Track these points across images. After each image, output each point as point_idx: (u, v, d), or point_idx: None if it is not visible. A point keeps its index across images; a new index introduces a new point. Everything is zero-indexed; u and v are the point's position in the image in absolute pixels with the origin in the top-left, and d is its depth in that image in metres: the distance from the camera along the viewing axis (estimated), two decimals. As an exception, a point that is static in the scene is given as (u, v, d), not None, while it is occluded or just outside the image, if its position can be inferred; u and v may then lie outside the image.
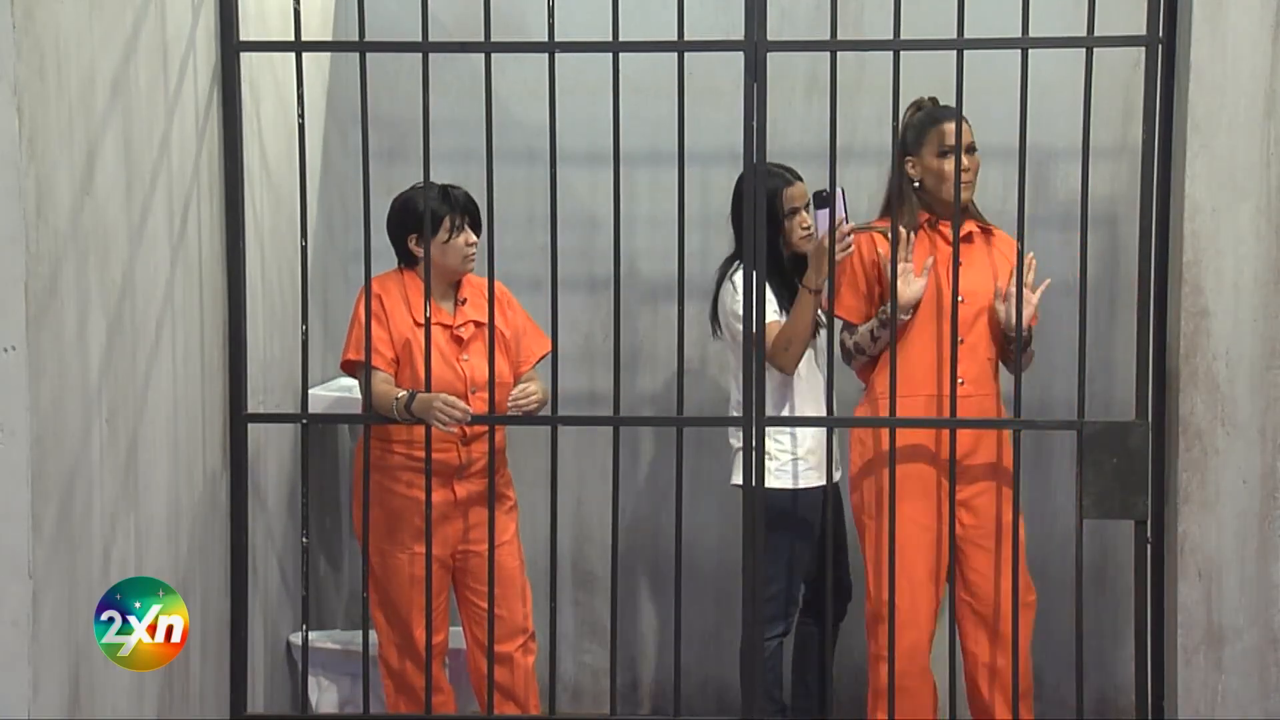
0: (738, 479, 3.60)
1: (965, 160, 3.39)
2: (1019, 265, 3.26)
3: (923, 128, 3.47)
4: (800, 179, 3.67)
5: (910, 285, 3.39)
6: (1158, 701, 3.22)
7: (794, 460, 3.64)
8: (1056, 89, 3.59)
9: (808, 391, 3.67)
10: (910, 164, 3.50)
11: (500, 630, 3.50)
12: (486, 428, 3.40)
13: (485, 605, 3.48)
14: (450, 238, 3.46)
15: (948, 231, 3.46)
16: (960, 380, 3.39)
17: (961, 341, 3.41)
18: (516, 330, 3.62)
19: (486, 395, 3.43)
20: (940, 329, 3.42)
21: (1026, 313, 3.37)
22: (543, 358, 3.61)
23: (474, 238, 3.50)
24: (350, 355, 3.46)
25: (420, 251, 3.46)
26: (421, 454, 3.36)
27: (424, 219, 3.33)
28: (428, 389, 3.29)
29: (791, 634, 3.82)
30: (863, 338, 3.50)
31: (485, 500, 3.42)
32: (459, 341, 3.52)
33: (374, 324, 3.40)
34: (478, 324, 3.52)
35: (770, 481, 3.53)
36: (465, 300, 3.55)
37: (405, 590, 3.49)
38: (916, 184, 3.50)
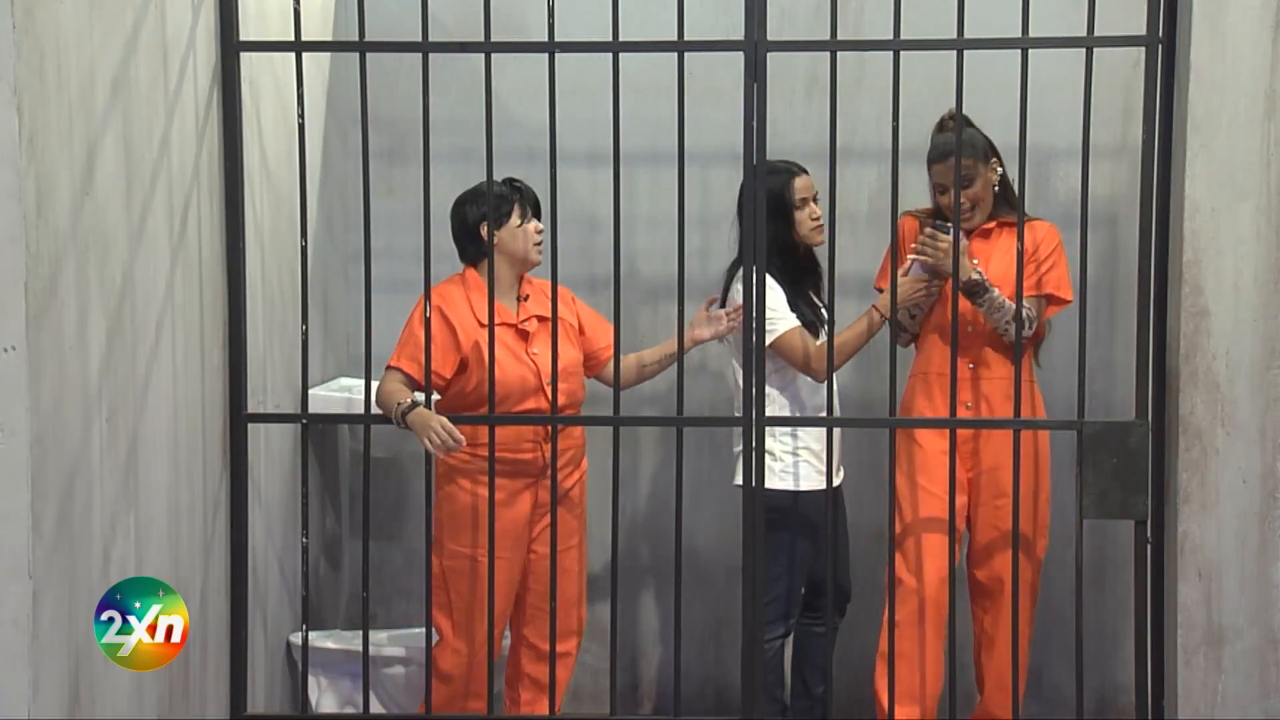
0: (739, 480, 3.61)
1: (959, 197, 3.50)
2: (1019, 259, 3.27)
3: (929, 162, 3.58)
4: (806, 172, 3.67)
5: (904, 285, 3.49)
6: (1158, 701, 3.21)
7: (796, 461, 3.64)
8: (1056, 89, 3.59)
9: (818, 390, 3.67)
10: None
11: (558, 629, 3.49)
12: (565, 426, 3.45)
13: (542, 606, 3.52)
14: (522, 223, 3.48)
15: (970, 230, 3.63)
16: (970, 365, 3.51)
17: (970, 329, 3.54)
18: (584, 322, 3.65)
19: (560, 386, 3.42)
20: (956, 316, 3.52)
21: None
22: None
23: (541, 226, 3.53)
24: (392, 362, 3.42)
25: (494, 238, 3.47)
26: (501, 454, 3.37)
27: (425, 220, 3.32)
28: (428, 391, 3.29)
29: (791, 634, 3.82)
30: (903, 316, 3.63)
31: (564, 497, 3.50)
32: (524, 336, 3.52)
33: (421, 332, 3.37)
34: (541, 318, 3.53)
35: (772, 482, 3.54)
36: (528, 297, 3.57)
37: (485, 594, 3.43)
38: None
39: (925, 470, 3.56)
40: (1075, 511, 3.19)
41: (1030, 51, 3.13)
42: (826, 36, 3.22)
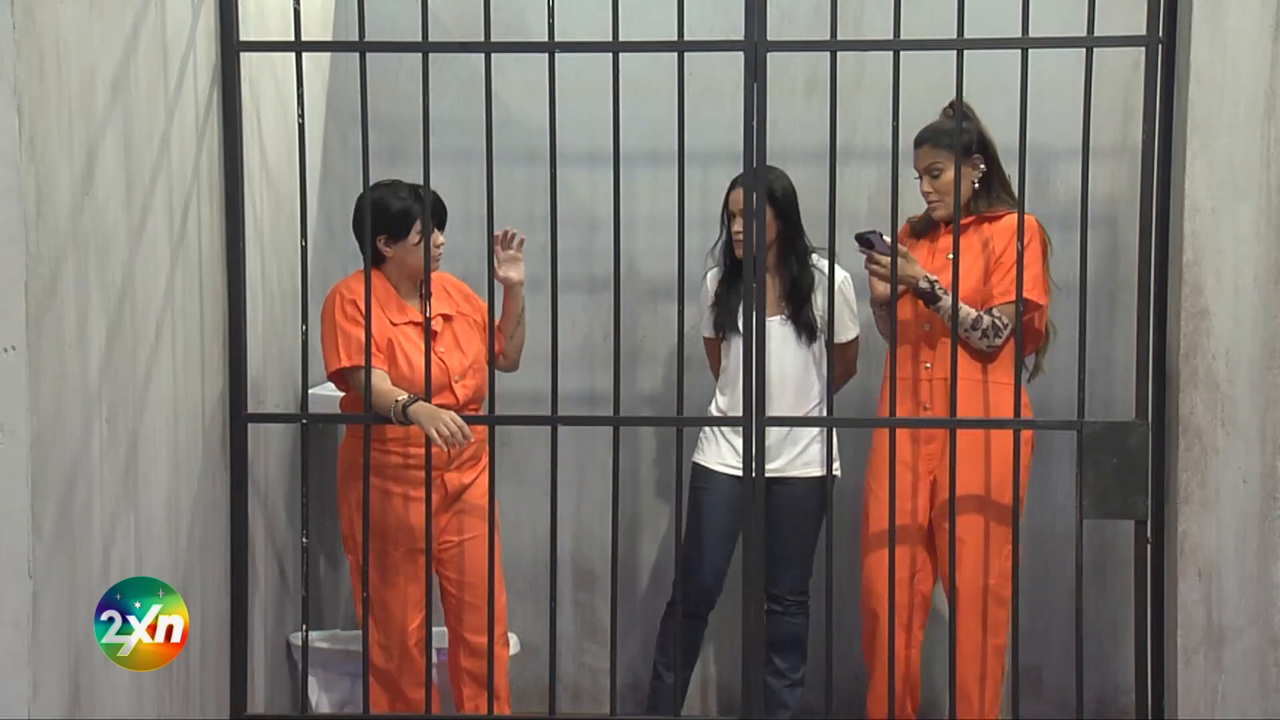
0: (698, 458, 3.77)
1: (928, 184, 3.58)
2: (1019, 260, 3.27)
3: (913, 147, 3.59)
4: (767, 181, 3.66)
5: (877, 285, 3.58)
6: (1158, 701, 3.22)
7: (716, 447, 3.75)
8: (1056, 89, 3.59)
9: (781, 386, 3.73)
10: None
11: (477, 621, 3.53)
12: (492, 430, 3.42)
13: (461, 596, 3.56)
14: (420, 240, 3.45)
15: (943, 228, 3.65)
16: (927, 365, 3.53)
17: (928, 328, 3.57)
18: (485, 321, 3.65)
19: (468, 383, 3.46)
20: (915, 318, 3.61)
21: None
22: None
23: (441, 239, 3.53)
24: (345, 363, 3.40)
25: (389, 252, 3.50)
26: (415, 450, 3.40)
27: (425, 219, 3.33)
28: (428, 393, 3.30)
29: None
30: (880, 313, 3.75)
31: (465, 494, 3.52)
32: (432, 336, 3.52)
33: (354, 328, 3.39)
34: (445, 317, 3.56)
35: (695, 455, 3.76)
36: (430, 295, 3.54)
37: (400, 588, 3.49)
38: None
39: (880, 475, 3.60)
40: (1075, 511, 3.19)
41: (1030, 51, 3.13)
42: (826, 36, 3.22)
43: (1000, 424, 3.45)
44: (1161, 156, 3.14)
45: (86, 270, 2.59)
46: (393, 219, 3.43)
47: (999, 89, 3.42)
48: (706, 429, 3.79)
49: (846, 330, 3.80)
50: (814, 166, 3.63)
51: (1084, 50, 3.13)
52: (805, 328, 3.72)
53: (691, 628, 3.79)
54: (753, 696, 3.31)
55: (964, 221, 3.61)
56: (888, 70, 3.17)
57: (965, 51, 3.14)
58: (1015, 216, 3.55)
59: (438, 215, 3.51)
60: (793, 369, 3.71)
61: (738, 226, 3.65)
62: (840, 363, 3.80)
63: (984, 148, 3.58)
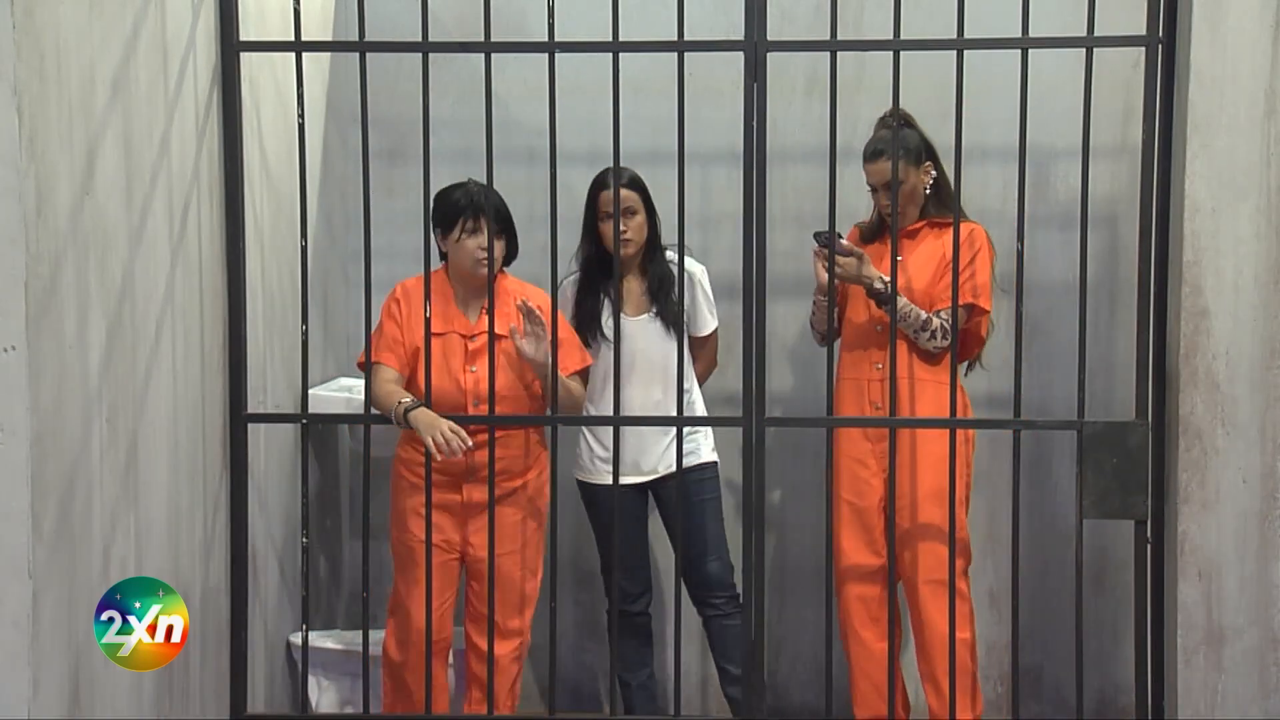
0: (582, 475, 3.80)
1: (885, 197, 3.53)
2: (1020, 260, 3.27)
3: (863, 160, 3.62)
4: (629, 182, 3.63)
5: (824, 279, 3.57)
6: (1158, 701, 3.22)
7: (594, 458, 3.76)
8: (1056, 89, 3.59)
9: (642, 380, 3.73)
10: None
11: (493, 632, 3.51)
12: (492, 432, 3.40)
13: (480, 607, 3.52)
14: (460, 238, 3.45)
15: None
16: (878, 365, 3.55)
17: (880, 329, 3.58)
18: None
19: (488, 410, 3.35)
20: (868, 320, 3.64)
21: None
22: (577, 372, 3.54)
23: (484, 244, 3.42)
24: (373, 358, 3.43)
25: (443, 247, 3.49)
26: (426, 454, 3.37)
27: (426, 219, 3.33)
28: (427, 401, 3.29)
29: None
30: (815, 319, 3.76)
31: (499, 510, 3.42)
32: (472, 352, 3.48)
33: (391, 324, 3.40)
34: (498, 335, 3.40)
35: (574, 471, 3.76)
36: (430, 299, 3.45)
37: (413, 583, 3.48)
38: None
39: (845, 480, 3.64)
40: (1075, 511, 3.19)
41: (1030, 51, 3.13)
42: (826, 36, 3.22)
43: (1001, 424, 3.45)
44: (1161, 156, 3.14)
45: (86, 270, 2.59)
46: (443, 211, 3.43)
47: (999, 89, 3.42)
48: (582, 442, 3.77)
49: (706, 324, 3.79)
50: (814, 166, 3.63)
51: (1084, 50, 3.13)
52: (673, 323, 3.70)
53: (639, 626, 3.81)
54: (753, 697, 3.31)
55: (915, 226, 3.62)
56: (888, 70, 3.17)
57: (965, 51, 3.14)
58: (964, 223, 3.54)
59: (497, 220, 3.42)
60: (662, 364, 3.70)
61: (621, 226, 3.58)
62: (702, 356, 3.82)
63: (933, 155, 3.59)
